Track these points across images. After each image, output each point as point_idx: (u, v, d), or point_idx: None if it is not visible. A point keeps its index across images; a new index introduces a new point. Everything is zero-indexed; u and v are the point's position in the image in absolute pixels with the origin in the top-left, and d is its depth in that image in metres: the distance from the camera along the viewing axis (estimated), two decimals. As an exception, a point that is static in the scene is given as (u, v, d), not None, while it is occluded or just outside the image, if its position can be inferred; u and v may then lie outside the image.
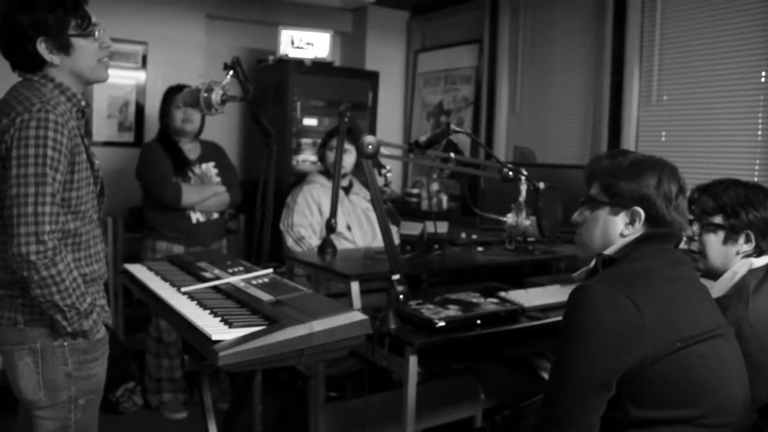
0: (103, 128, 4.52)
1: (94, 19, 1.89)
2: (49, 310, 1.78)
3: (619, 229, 1.66)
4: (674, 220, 1.63)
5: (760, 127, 3.27)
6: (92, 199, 1.91)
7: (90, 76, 1.92)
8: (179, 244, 3.57)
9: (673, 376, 1.47)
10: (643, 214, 1.63)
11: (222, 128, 4.60)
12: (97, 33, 1.89)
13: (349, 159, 3.52)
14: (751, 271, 1.92)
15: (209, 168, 3.67)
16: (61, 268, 1.74)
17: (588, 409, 1.48)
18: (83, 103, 1.92)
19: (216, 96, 2.51)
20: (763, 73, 3.26)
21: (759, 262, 1.94)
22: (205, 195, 3.57)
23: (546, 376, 2.93)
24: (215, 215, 3.67)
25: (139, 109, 4.63)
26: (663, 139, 3.72)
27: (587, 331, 1.47)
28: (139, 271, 2.35)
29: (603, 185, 1.69)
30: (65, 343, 1.86)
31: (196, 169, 3.62)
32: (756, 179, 3.15)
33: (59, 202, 1.76)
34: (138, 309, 4.16)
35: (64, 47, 1.83)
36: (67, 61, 1.85)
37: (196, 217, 3.61)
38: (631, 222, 1.65)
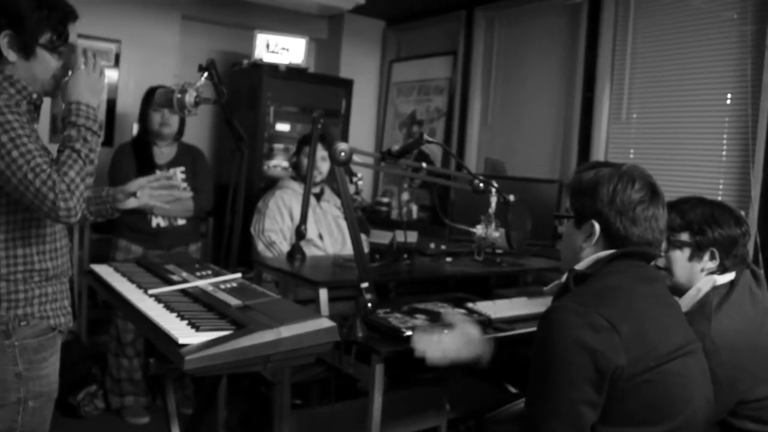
0: (72, 126, 4.45)
1: (73, 41, 1.86)
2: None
3: (579, 242, 1.67)
4: (630, 234, 1.60)
5: (724, 147, 3.34)
6: None
7: (39, 87, 1.87)
8: (138, 245, 3.56)
9: (644, 394, 1.46)
10: (597, 228, 1.62)
11: (194, 130, 4.56)
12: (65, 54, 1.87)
13: (326, 165, 3.50)
14: (715, 288, 1.95)
15: (176, 172, 3.64)
16: (72, 174, 1.70)
17: (580, 431, 1.45)
18: (35, 95, 1.87)
19: (189, 97, 2.48)
20: (729, 96, 3.33)
21: (722, 279, 1.97)
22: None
23: (511, 388, 2.94)
24: (180, 221, 3.64)
25: (111, 108, 4.58)
26: (631, 156, 3.78)
27: (566, 354, 1.45)
28: (105, 272, 2.32)
29: (570, 199, 1.71)
30: (15, 343, 1.81)
31: (161, 173, 3.59)
32: (720, 198, 3.21)
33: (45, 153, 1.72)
34: (102, 311, 4.10)
35: (25, 51, 1.80)
36: (23, 63, 1.81)
37: (156, 221, 3.58)
38: (589, 236, 1.64)
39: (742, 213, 2.06)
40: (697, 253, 1.99)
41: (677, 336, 1.58)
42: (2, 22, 1.75)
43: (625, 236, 1.60)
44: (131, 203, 2.28)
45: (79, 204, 1.69)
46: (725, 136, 3.34)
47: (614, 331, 1.44)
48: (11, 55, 1.79)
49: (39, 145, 1.72)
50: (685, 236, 2.00)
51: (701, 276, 2.00)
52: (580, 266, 1.65)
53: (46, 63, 1.84)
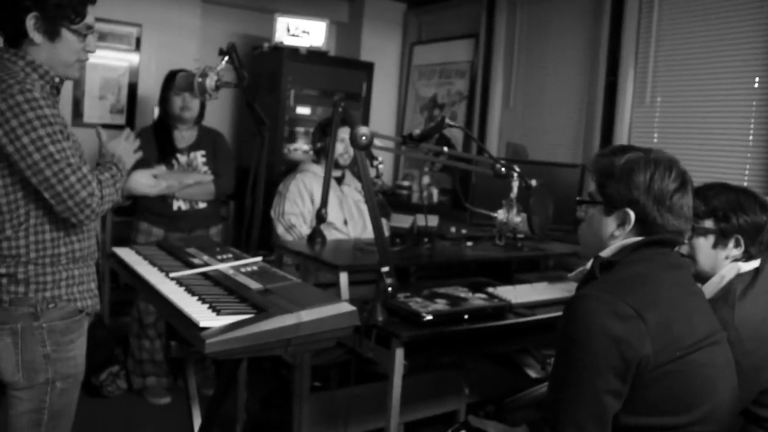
0: (94, 110, 4.48)
1: (90, 22, 1.88)
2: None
3: (610, 230, 1.62)
4: (666, 223, 1.57)
5: (751, 132, 3.29)
6: None
7: (62, 70, 1.90)
8: (159, 227, 3.58)
9: (669, 384, 1.44)
10: (632, 216, 1.58)
11: (215, 114, 4.57)
12: (88, 36, 1.89)
13: (352, 149, 3.48)
14: (739, 276, 1.92)
15: (197, 156, 3.65)
16: (107, 191, 1.85)
17: (603, 420, 1.44)
18: (57, 80, 1.89)
19: (210, 81, 2.48)
20: (757, 79, 3.27)
21: (747, 266, 1.94)
22: (182, 182, 3.53)
23: (531, 373, 2.94)
24: (201, 204, 3.65)
25: (132, 92, 4.60)
26: (655, 140, 3.74)
27: (591, 343, 1.42)
28: (127, 254, 2.33)
29: (598, 184, 1.66)
30: (44, 325, 1.85)
31: (182, 157, 3.60)
32: (746, 184, 3.16)
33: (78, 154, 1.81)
34: (124, 292, 4.14)
35: (50, 32, 1.82)
36: (47, 46, 1.83)
37: (177, 204, 3.59)
38: (622, 224, 1.60)
39: (768, 199, 2.03)
40: (721, 240, 1.95)
41: (703, 325, 1.55)
42: (27, 3, 1.77)
43: (661, 225, 1.57)
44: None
45: (100, 214, 1.83)
46: (753, 120, 3.29)
47: (640, 319, 1.42)
48: (37, 37, 1.80)
49: (71, 144, 1.79)
50: (709, 223, 1.97)
51: (725, 263, 1.96)
52: (605, 253, 1.61)
53: (71, 45, 1.86)
